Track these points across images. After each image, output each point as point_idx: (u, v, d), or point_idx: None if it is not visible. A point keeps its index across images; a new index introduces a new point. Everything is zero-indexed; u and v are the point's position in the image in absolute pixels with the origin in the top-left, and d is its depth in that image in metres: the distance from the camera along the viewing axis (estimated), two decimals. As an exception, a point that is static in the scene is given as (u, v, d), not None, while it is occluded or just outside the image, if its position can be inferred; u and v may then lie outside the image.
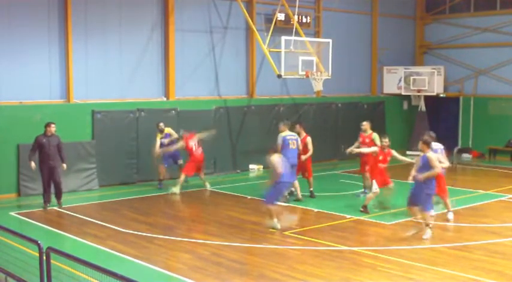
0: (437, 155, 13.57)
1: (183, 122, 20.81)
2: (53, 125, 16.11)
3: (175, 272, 10.93)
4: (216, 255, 11.94)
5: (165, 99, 20.99)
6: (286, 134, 16.71)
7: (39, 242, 8.18)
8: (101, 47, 19.56)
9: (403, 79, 27.14)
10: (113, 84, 19.88)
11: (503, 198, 17.55)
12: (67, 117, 18.43)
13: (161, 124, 19.01)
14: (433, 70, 26.87)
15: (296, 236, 13.37)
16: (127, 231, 13.70)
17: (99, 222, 14.52)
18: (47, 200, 16.15)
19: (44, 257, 8.03)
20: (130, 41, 20.15)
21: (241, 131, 22.39)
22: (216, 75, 22.30)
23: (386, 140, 15.66)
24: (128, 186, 19.29)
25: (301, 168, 17.32)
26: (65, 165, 16.29)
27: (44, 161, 16.04)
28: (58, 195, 16.34)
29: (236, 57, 22.90)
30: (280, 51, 20.09)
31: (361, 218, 15.03)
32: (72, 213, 15.41)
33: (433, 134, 14.61)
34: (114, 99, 19.81)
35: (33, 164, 16.05)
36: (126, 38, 20.06)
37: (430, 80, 26.70)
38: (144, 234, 13.38)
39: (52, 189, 16.31)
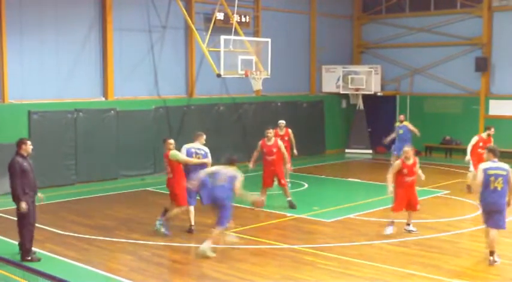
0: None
1: (122, 123, 20.62)
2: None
3: (116, 273, 10.83)
4: (157, 256, 11.89)
5: (103, 99, 20.73)
6: (191, 145, 13.94)
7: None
8: (37, 46, 19.18)
9: (341, 78, 27.52)
10: (50, 84, 19.52)
11: (438, 194, 18.01)
12: (2, 118, 18.03)
13: (401, 116, 22.62)
14: (371, 69, 27.35)
15: (237, 235, 13.39)
16: (66, 233, 13.50)
17: (37, 225, 14.18)
18: None
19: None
20: (67, 39, 19.82)
21: (181, 131, 22.29)
22: (155, 75, 22.15)
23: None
24: (66, 187, 18.99)
25: (274, 175, 16.08)
26: None
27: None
28: None
29: (175, 56, 22.80)
30: (219, 51, 20.10)
31: (302, 216, 15.17)
32: (8, 217, 15.03)
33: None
34: (51, 99, 19.45)
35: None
36: (63, 37, 19.72)
37: (368, 79, 27.17)
38: (83, 236, 13.20)
39: None
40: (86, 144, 19.75)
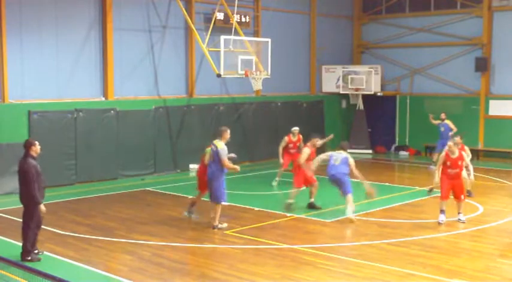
0: None
1: (122, 123, 20.62)
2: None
3: (116, 273, 10.82)
4: (157, 256, 11.88)
5: (103, 99, 20.73)
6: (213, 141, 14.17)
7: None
8: (37, 46, 19.16)
9: (341, 78, 27.52)
10: (50, 83, 19.50)
11: (439, 194, 17.95)
12: (2, 118, 18.02)
13: (442, 114, 23.22)
14: (371, 69, 27.34)
15: (237, 235, 13.41)
16: (66, 233, 13.50)
17: (36, 225, 14.22)
18: None
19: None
20: (67, 39, 19.80)
21: (181, 131, 22.30)
22: (155, 75, 22.15)
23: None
24: (66, 187, 18.98)
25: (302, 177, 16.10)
26: None
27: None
28: None
29: (175, 56, 22.79)
30: (219, 51, 20.09)
31: (302, 216, 15.17)
32: (9, 217, 15.05)
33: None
34: (51, 99, 19.44)
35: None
36: (63, 37, 19.70)
37: (368, 79, 27.16)
38: (83, 236, 13.20)
39: None
40: (86, 144, 19.74)
